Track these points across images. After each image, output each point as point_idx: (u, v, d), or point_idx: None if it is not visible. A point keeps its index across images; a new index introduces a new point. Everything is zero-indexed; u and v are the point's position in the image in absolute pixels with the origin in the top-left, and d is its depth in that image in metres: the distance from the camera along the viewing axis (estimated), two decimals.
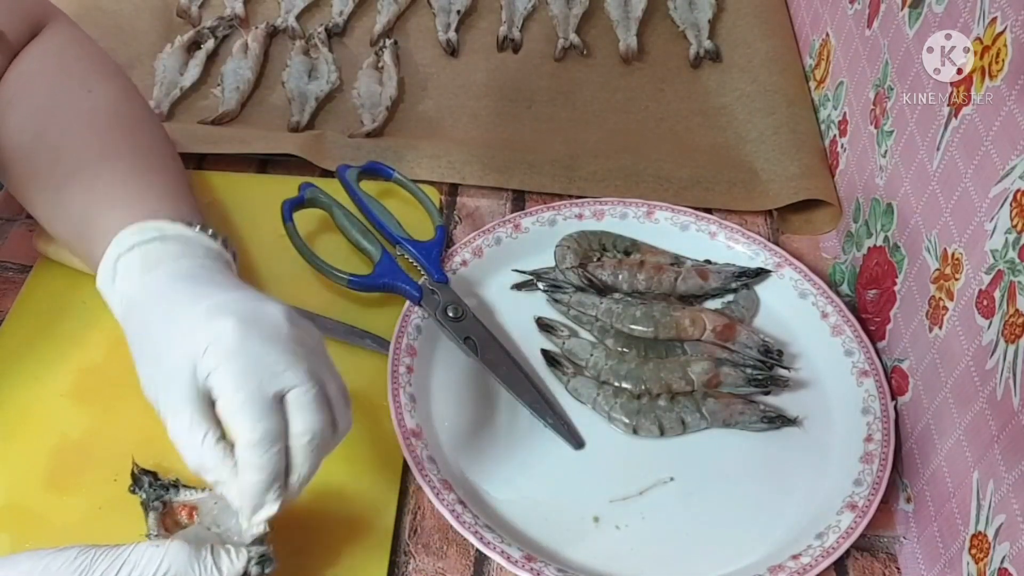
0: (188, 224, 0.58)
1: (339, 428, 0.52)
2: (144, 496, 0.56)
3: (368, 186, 0.78)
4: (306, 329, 0.52)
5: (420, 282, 0.71)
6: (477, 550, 0.60)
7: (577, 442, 0.65)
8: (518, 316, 0.73)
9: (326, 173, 0.82)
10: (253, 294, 0.53)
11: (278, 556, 0.54)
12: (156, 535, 0.54)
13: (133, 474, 0.57)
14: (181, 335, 0.50)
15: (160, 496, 0.56)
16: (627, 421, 0.66)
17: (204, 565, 0.49)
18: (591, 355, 0.70)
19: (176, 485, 0.57)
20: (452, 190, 0.82)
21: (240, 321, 0.49)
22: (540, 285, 0.74)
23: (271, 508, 0.50)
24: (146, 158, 0.64)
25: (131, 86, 0.69)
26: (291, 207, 0.74)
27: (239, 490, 0.49)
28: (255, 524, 0.51)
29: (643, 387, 0.67)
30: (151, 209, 0.58)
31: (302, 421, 0.49)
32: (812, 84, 0.90)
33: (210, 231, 0.59)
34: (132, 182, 0.61)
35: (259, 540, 0.52)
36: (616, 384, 0.68)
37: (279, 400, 0.49)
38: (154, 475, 0.57)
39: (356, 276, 0.70)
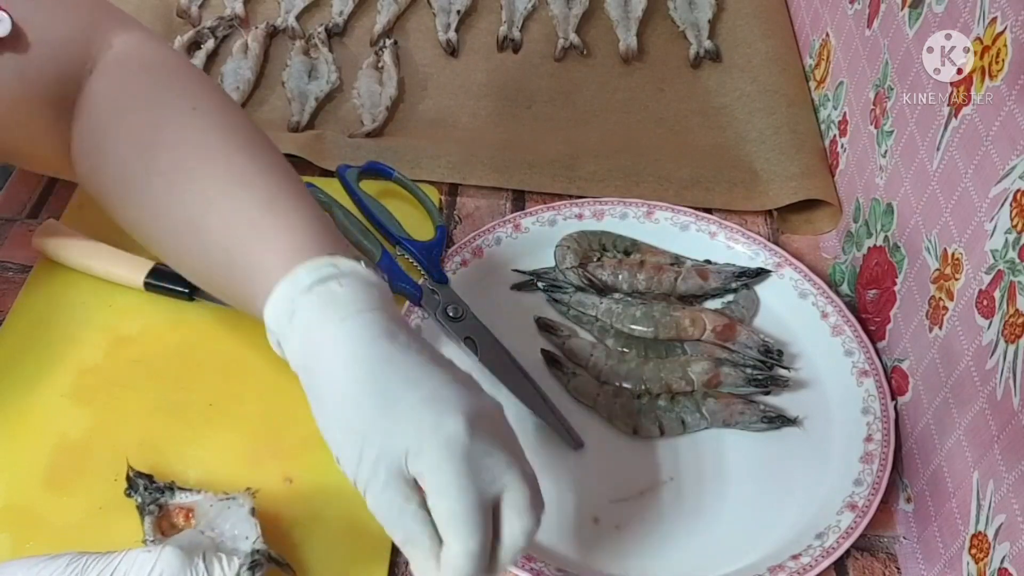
0: (355, 259, 0.53)
1: (538, 517, 0.50)
2: (140, 500, 0.56)
3: (368, 186, 0.77)
4: (509, 424, 0.51)
5: (420, 282, 0.71)
6: None
7: (577, 442, 0.65)
8: (518, 316, 0.73)
9: (326, 173, 0.82)
10: (466, 378, 0.50)
11: (279, 556, 0.54)
12: (152, 540, 0.54)
13: (128, 477, 0.57)
14: (397, 419, 0.47)
15: (156, 499, 0.56)
16: (627, 421, 0.66)
17: (196, 571, 0.50)
18: (591, 355, 0.70)
19: (172, 488, 0.56)
20: (452, 190, 0.83)
21: (469, 420, 0.47)
22: (540, 285, 0.74)
23: None
24: (279, 181, 0.57)
25: (230, 99, 0.62)
26: None
27: None
28: None
29: (643, 387, 0.67)
30: (313, 241, 0.53)
31: (519, 526, 0.48)
32: (812, 84, 0.90)
33: (363, 261, 0.54)
34: (278, 210, 0.55)
35: (256, 549, 0.52)
36: (616, 384, 0.68)
37: (494, 502, 0.48)
38: (149, 478, 0.57)
39: None
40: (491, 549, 0.48)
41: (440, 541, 0.47)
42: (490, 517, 0.47)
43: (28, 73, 0.56)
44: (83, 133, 0.58)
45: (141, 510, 0.56)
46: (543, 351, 0.71)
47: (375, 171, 0.79)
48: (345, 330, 0.50)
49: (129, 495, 0.56)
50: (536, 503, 0.49)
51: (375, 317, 0.50)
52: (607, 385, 0.68)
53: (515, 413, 0.67)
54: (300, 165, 0.82)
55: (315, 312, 0.50)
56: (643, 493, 0.64)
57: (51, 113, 0.58)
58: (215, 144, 0.56)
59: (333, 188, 0.76)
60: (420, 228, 0.76)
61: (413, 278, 0.71)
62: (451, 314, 0.70)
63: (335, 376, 0.49)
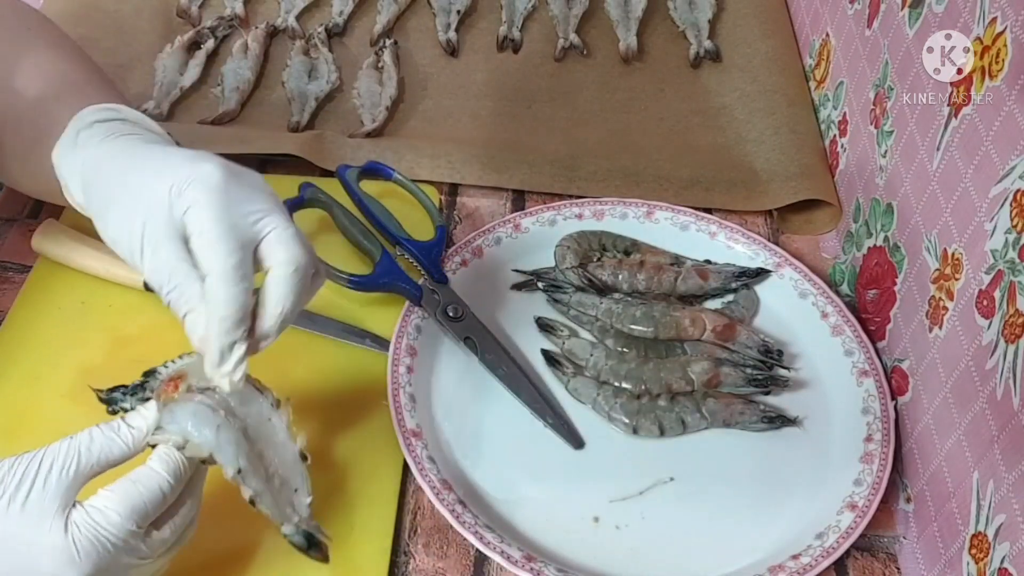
0: (141, 112, 0.59)
1: (318, 275, 0.53)
2: (128, 405, 0.53)
3: (368, 186, 0.77)
4: (274, 191, 0.53)
5: (420, 282, 0.71)
6: (477, 550, 0.60)
7: (577, 442, 0.65)
8: (518, 316, 0.73)
9: (326, 173, 0.82)
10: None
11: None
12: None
13: (101, 399, 0.53)
14: (159, 173, 0.50)
15: (142, 395, 0.53)
16: (627, 421, 0.66)
17: (120, 433, 0.50)
18: (591, 355, 0.70)
19: (153, 372, 0.53)
20: (452, 190, 0.82)
21: (224, 166, 0.51)
22: (540, 285, 0.74)
23: (239, 351, 0.50)
24: (69, 50, 0.65)
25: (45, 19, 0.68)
26: (291, 207, 0.73)
27: (206, 329, 0.49)
28: (223, 374, 0.50)
29: (643, 387, 0.67)
30: (102, 95, 0.59)
31: (285, 251, 0.50)
32: (812, 84, 0.90)
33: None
34: (71, 73, 0.62)
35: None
36: (616, 384, 0.68)
37: (254, 244, 0.50)
38: (122, 386, 0.53)
39: (356, 276, 0.70)
40: (264, 295, 0.50)
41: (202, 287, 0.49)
42: (248, 247, 0.50)
43: None
44: None
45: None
46: (543, 351, 0.71)
47: (375, 171, 0.79)
48: (120, 141, 0.55)
49: (114, 411, 0.53)
50: (303, 241, 0.51)
51: (148, 136, 0.55)
52: (607, 385, 0.68)
53: (515, 413, 0.67)
54: (300, 165, 0.82)
55: (95, 137, 0.55)
56: (643, 493, 0.64)
57: None
58: (43, 56, 0.63)
59: (333, 188, 0.76)
60: (420, 228, 0.76)
61: (413, 278, 0.71)
62: (451, 314, 0.70)
63: (109, 169, 0.53)
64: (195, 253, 0.50)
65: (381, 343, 0.69)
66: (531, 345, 0.71)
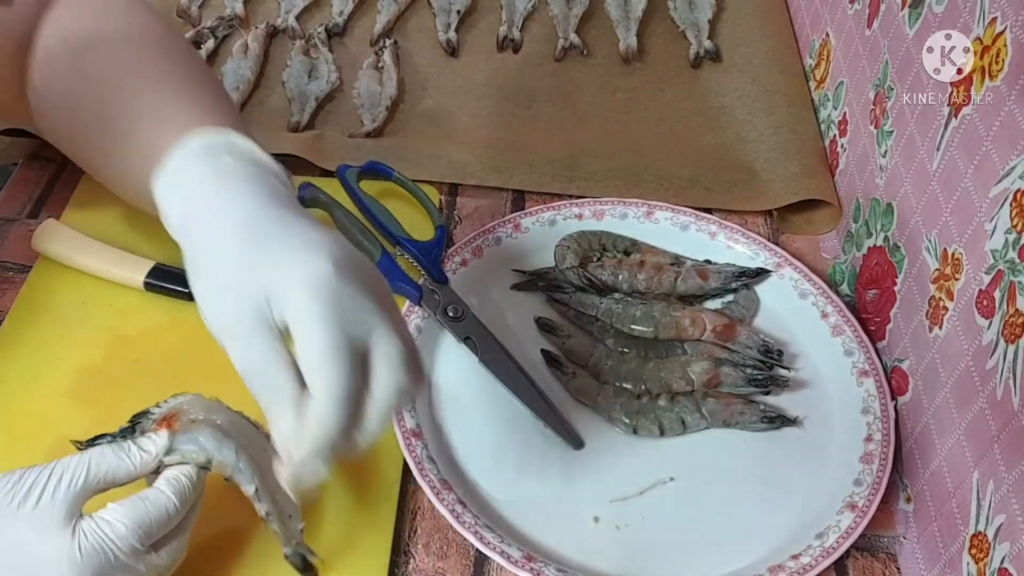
0: (252, 139, 0.53)
1: (414, 387, 0.49)
2: None
3: (368, 186, 0.77)
4: (387, 284, 0.50)
5: (420, 282, 0.71)
6: (477, 550, 0.60)
7: (577, 443, 0.65)
8: (518, 316, 0.73)
9: (326, 173, 0.82)
10: (343, 238, 0.49)
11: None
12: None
13: (81, 449, 0.52)
14: (265, 262, 0.46)
15: (131, 438, 0.52)
16: (627, 421, 0.66)
17: (130, 453, 0.50)
18: (591, 355, 0.70)
19: (142, 415, 0.53)
20: (452, 190, 0.82)
21: (337, 264, 0.46)
22: (540, 285, 0.74)
23: (323, 472, 0.47)
24: (191, 71, 0.60)
25: (162, 20, 0.65)
26: None
27: (300, 440, 0.46)
28: (296, 487, 0.48)
29: (643, 387, 0.67)
30: (216, 117, 0.53)
31: (389, 377, 0.47)
32: (812, 84, 0.90)
33: (270, 154, 0.53)
34: (188, 93, 0.56)
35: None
36: (616, 384, 0.68)
37: (362, 356, 0.46)
38: (107, 434, 0.53)
39: None
40: (361, 404, 0.46)
41: (304, 392, 0.46)
42: (358, 364, 0.46)
43: (13, 26, 0.60)
44: (37, 67, 0.61)
45: None
46: (543, 351, 0.71)
47: (375, 171, 0.78)
48: (229, 194, 0.49)
49: None
50: (409, 362, 0.48)
51: (263, 186, 0.50)
52: (607, 385, 0.68)
53: (515, 413, 0.67)
54: (300, 165, 0.82)
55: (201, 178, 0.50)
56: (643, 493, 0.64)
57: (20, 56, 0.61)
58: (136, 45, 0.60)
59: (333, 188, 0.76)
60: (420, 228, 0.76)
61: (413, 278, 0.71)
62: (451, 314, 0.70)
63: (212, 235, 0.48)
64: (300, 362, 0.46)
65: None
66: (532, 345, 0.71)
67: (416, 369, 0.49)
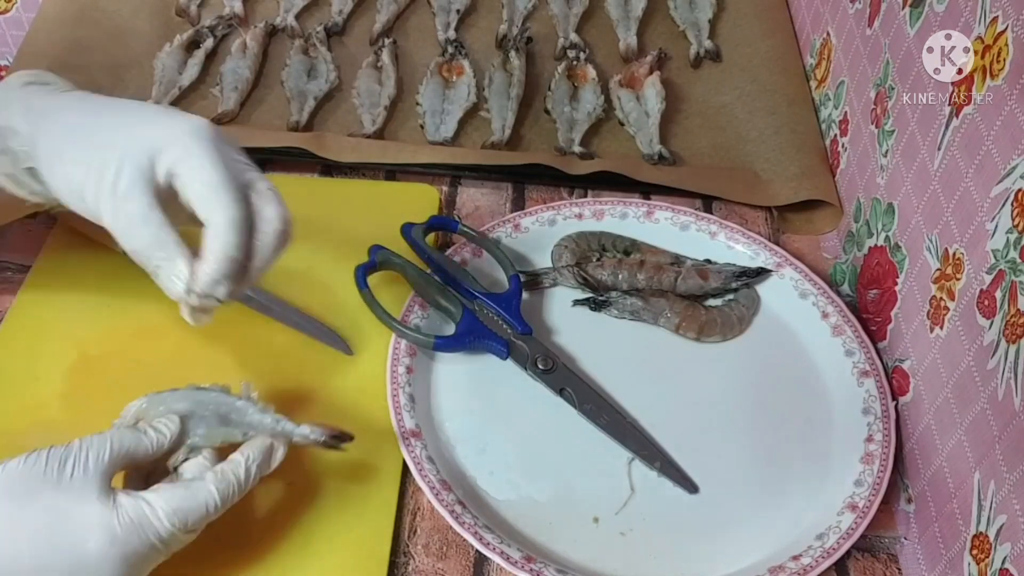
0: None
1: (288, 217, 0.55)
2: None
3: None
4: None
5: (506, 338, 0.69)
6: (477, 551, 0.60)
7: (691, 487, 0.63)
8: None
9: (326, 171, 0.82)
10: None
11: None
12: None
13: None
14: (143, 123, 0.52)
15: None
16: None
17: (148, 435, 0.52)
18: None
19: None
20: (452, 190, 0.82)
21: (210, 123, 0.53)
22: (546, 284, 0.74)
23: (224, 290, 0.53)
24: None
25: None
26: (364, 272, 0.71)
27: (202, 268, 0.52)
28: (204, 308, 0.54)
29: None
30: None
31: (274, 209, 0.54)
32: (813, 84, 0.90)
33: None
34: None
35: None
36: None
37: (244, 193, 0.53)
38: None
39: (441, 337, 0.68)
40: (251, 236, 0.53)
41: (183, 250, 0.51)
42: (244, 198, 0.53)
43: None
44: None
45: None
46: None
47: (439, 225, 0.76)
48: (64, 97, 0.55)
49: None
50: (283, 202, 0.54)
51: (89, 93, 0.56)
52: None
53: (515, 413, 0.67)
54: (300, 166, 0.82)
55: (29, 98, 0.55)
56: (643, 493, 0.63)
57: None
58: None
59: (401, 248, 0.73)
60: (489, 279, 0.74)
61: (497, 333, 0.69)
62: (541, 366, 0.67)
63: (63, 116, 0.54)
64: (193, 202, 0.52)
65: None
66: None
67: (286, 209, 0.55)
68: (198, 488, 0.51)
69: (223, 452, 0.55)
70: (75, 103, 0.55)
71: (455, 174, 0.83)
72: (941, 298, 0.60)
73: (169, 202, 0.53)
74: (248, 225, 0.53)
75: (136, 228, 0.51)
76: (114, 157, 0.51)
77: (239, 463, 0.53)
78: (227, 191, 0.51)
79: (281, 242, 0.55)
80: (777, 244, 0.77)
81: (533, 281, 0.74)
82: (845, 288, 0.76)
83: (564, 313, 0.73)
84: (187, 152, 0.51)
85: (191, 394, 0.56)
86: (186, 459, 0.54)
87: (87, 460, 0.49)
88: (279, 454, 0.55)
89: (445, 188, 0.82)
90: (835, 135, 0.82)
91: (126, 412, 0.55)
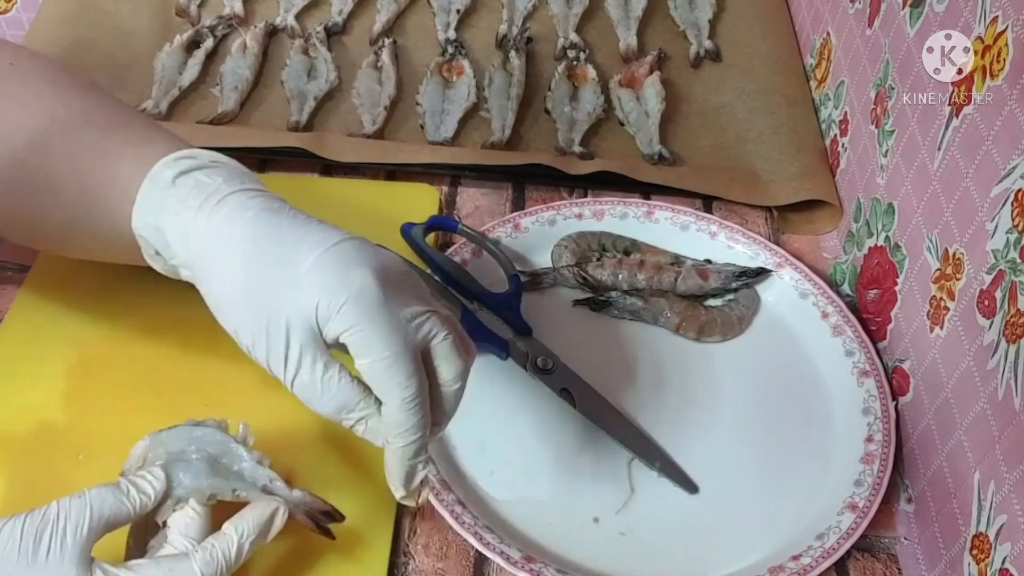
0: (211, 150, 0.52)
1: (470, 361, 0.51)
2: None
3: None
4: (415, 272, 0.51)
5: (506, 338, 0.69)
6: (477, 551, 0.60)
7: (690, 487, 0.63)
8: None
9: (326, 171, 0.82)
10: (361, 237, 0.50)
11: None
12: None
13: None
14: (298, 285, 0.46)
15: None
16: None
17: (130, 496, 0.49)
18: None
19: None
20: (452, 190, 0.82)
21: (375, 273, 0.46)
22: (546, 284, 0.74)
23: (423, 472, 0.50)
24: (112, 108, 0.57)
25: (40, 53, 0.61)
26: None
27: (394, 457, 0.49)
28: (410, 495, 0.51)
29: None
30: (162, 143, 0.52)
31: (451, 369, 0.49)
32: (813, 84, 0.90)
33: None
34: (118, 129, 0.54)
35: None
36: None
37: (421, 353, 0.48)
38: None
39: None
40: (431, 400, 0.49)
41: (376, 400, 0.48)
42: (420, 364, 0.48)
43: None
44: None
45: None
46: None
47: (439, 226, 0.76)
48: (223, 213, 0.48)
49: None
50: (463, 345, 0.50)
51: (250, 194, 0.49)
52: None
53: (514, 413, 0.67)
54: (300, 166, 0.82)
55: (185, 205, 0.49)
56: (643, 493, 0.63)
57: None
58: (43, 91, 0.55)
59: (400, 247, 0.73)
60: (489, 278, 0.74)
61: (497, 332, 0.69)
62: (541, 366, 0.67)
63: (225, 261, 0.48)
64: (365, 375, 0.48)
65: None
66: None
67: (466, 346, 0.51)
68: (183, 571, 0.48)
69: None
70: (238, 241, 0.48)
71: (455, 174, 0.83)
72: (941, 298, 0.60)
73: None
74: (425, 398, 0.48)
75: (317, 397, 0.48)
76: (280, 327, 0.46)
77: (231, 540, 0.49)
78: (398, 370, 0.47)
79: (458, 399, 0.51)
80: (777, 244, 0.77)
81: (533, 281, 0.74)
82: (845, 288, 0.76)
83: (564, 313, 0.73)
84: (353, 325, 0.46)
85: (187, 432, 0.53)
86: (174, 510, 0.51)
87: (64, 533, 0.46)
88: (278, 523, 0.51)
89: (445, 188, 0.82)
90: (835, 135, 0.82)
91: (132, 454, 0.53)
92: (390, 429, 0.48)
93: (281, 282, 0.47)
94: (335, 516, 0.55)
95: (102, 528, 0.48)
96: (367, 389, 0.48)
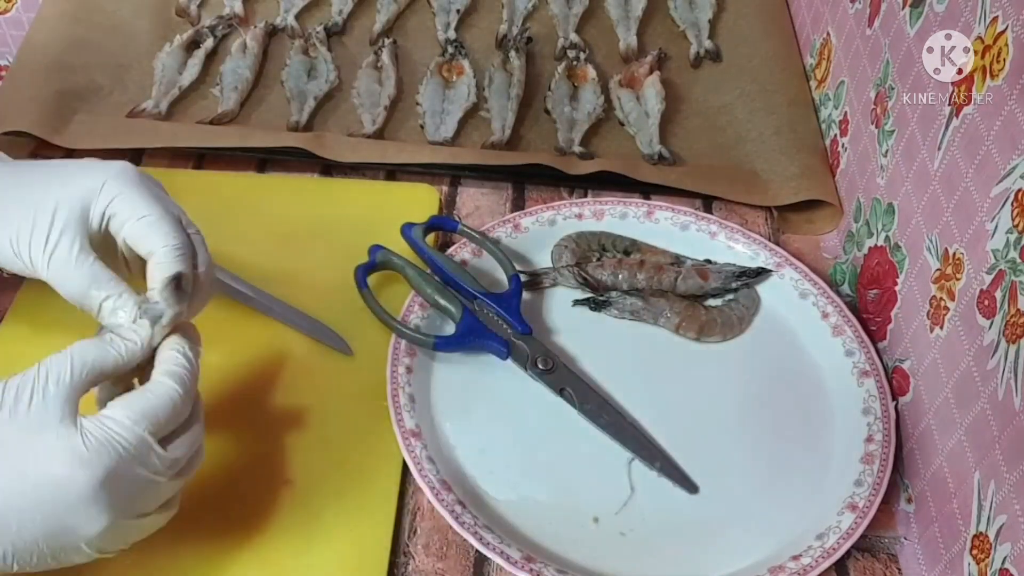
0: None
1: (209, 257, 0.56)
2: None
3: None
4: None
5: (506, 338, 0.69)
6: (477, 551, 0.60)
7: (690, 487, 0.63)
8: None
9: (326, 171, 0.82)
10: None
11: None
12: None
13: None
14: (67, 176, 0.53)
15: None
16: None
17: (112, 344, 0.50)
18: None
19: None
20: (452, 190, 0.82)
21: (131, 164, 0.55)
22: (546, 284, 0.74)
23: (175, 310, 0.52)
24: None
25: None
26: (364, 272, 0.71)
27: (152, 296, 0.52)
28: (161, 328, 0.52)
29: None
30: None
31: (203, 254, 0.55)
32: (813, 84, 0.90)
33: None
34: None
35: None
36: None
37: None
38: None
39: (441, 337, 0.68)
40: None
41: (126, 287, 0.52)
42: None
43: None
44: None
45: None
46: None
47: (439, 225, 0.76)
48: None
49: None
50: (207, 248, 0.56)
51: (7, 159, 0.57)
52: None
53: (514, 414, 0.67)
54: (300, 166, 0.82)
55: None
56: (643, 493, 0.63)
57: None
58: None
59: (399, 246, 0.74)
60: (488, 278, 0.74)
61: (497, 333, 0.69)
62: (541, 366, 0.68)
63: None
64: (134, 238, 0.53)
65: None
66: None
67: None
68: (154, 387, 0.49)
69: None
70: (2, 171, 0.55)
71: (455, 174, 0.83)
72: (941, 298, 0.60)
73: (109, 258, 0.54)
74: (191, 252, 0.54)
75: (70, 270, 0.52)
76: (49, 209, 0.52)
77: (176, 349, 0.51)
78: (166, 221, 0.53)
79: (211, 287, 0.55)
80: (777, 244, 0.77)
81: (533, 281, 0.74)
82: (845, 288, 0.76)
83: (564, 313, 0.73)
84: (119, 192, 0.52)
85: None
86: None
87: (46, 386, 0.47)
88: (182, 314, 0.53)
89: (445, 188, 0.82)
90: (835, 135, 0.82)
91: None
92: (155, 278, 0.52)
93: (50, 176, 0.54)
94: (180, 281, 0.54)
95: (88, 379, 0.49)
96: (115, 274, 0.53)
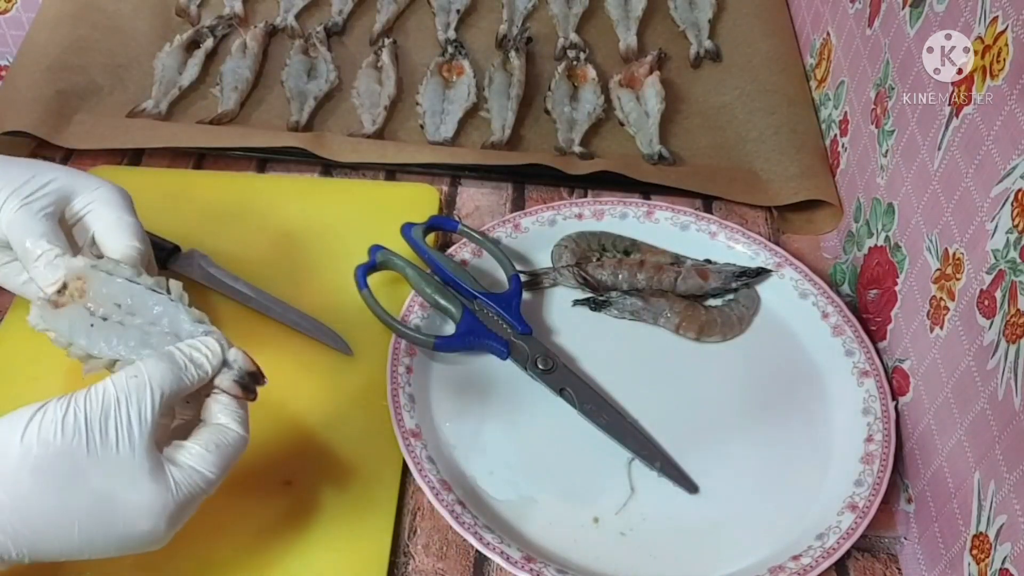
0: None
1: None
2: None
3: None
4: None
5: (506, 338, 0.69)
6: (477, 551, 0.60)
7: (690, 487, 0.63)
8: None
9: (326, 171, 0.82)
10: None
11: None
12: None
13: None
14: (75, 171, 0.59)
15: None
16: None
17: (188, 373, 0.49)
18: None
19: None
20: (452, 190, 0.82)
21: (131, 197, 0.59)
22: (546, 284, 0.74)
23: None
24: None
25: None
26: (364, 272, 0.71)
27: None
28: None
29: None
30: None
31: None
32: (813, 84, 0.90)
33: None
34: None
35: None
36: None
37: None
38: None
39: (441, 338, 0.68)
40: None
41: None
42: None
43: None
44: None
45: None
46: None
47: (439, 226, 0.76)
48: None
49: None
50: None
51: None
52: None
53: (514, 414, 0.67)
54: (300, 166, 0.82)
55: None
56: (643, 493, 0.63)
57: None
58: None
59: (400, 246, 0.74)
60: (489, 278, 0.74)
61: (497, 333, 0.69)
62: (542, 366, 0.67)
63: None
64: (103, 237, 0.57)
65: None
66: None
67: None
68: (228, 435, 0.50)
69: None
70: None
71: (455, 174, 0.83)
72: (941, 298, 0.60)
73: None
74: (148, 263, 0.58)
75: (35, 219, 0.55)
76: (46, 177, 0.57)
77: (227, 406, 0.51)
78: (135, 229, 0.57)
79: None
80: (777, 244, 0.77)
81: (533, 281, 0.74)
82: (845, 288, 0.76)
83: (564, 313, 0.73)
84: (109, 199, 0.57)
85: (130, 288, 0.53)
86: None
87: (131, 425, 0.46)
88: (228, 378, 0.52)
89: (445, 188, 0.82)
90: (835, 135, 0.82)
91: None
92: (120, 252, 0.56)
93: (59, 166, 0.58)
94: (260, 378, 0.53)
95: (166, 408, 0.48)
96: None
